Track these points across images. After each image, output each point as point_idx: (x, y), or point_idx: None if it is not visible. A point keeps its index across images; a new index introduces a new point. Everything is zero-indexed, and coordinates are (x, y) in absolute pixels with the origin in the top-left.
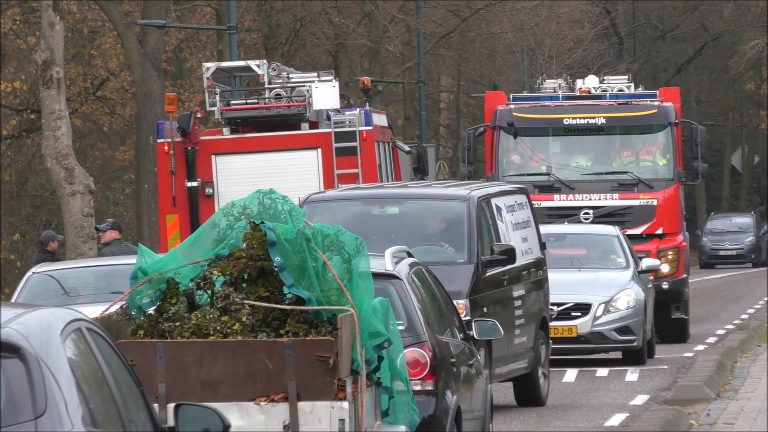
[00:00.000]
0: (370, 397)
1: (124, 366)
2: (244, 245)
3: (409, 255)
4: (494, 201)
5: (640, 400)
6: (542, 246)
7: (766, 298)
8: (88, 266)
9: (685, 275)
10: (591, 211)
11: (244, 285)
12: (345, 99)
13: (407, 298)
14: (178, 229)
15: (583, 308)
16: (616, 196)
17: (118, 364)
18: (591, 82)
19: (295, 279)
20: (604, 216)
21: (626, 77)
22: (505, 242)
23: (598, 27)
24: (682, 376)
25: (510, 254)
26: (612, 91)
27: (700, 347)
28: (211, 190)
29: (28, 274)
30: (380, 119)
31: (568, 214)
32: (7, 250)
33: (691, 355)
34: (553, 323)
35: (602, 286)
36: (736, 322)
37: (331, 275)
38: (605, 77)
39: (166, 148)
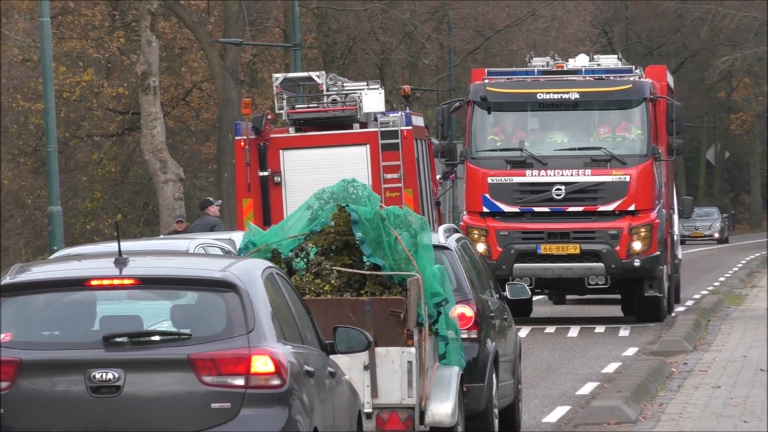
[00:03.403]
0: (431, 344)
1: (299, 299)
2: (333, 223)
3: (456, 231)
4: None
5: (631, 351)
6: None
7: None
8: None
9: (658, 252)
10: (563, 187)
11: (332, 254)
12: (389, 104)
13: (456, 264)
14: (252, 211)
15: None
16: (588, 171)
17: (296, 298)
18: (581, 60)
19: (372, 250)
20: (576, 192)
21: (616, 56)
22: None
23: (598, 45)
24: (665, 332)
25: None
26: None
27: (680, 308)
28: (279, 179)
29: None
30: (418, 120)
31: (541, 190)
32: (111, 227)
33: (673, 315)
34: None
35: None
36: (709, 288)
37: (401, 247)
38: (595, 55)
39: (242, 144)
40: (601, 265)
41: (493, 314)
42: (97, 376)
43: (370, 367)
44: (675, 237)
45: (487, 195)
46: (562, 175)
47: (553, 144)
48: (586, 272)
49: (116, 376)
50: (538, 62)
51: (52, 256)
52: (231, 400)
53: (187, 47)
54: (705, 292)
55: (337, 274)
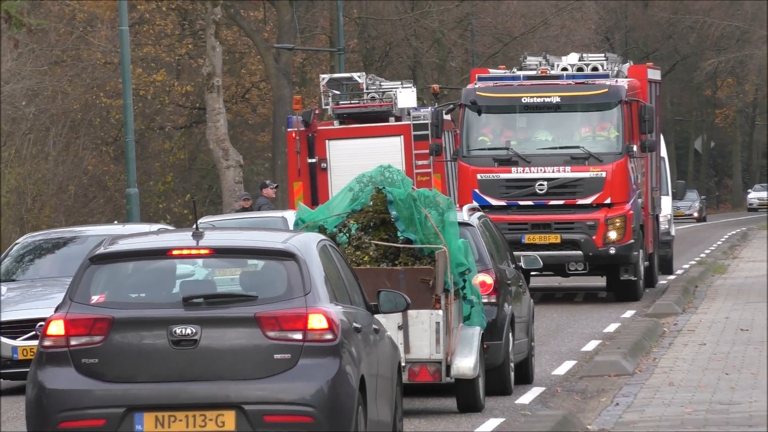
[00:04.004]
0: (456, 307)
1: (348, 267)
2: (371, 203)
3: (477, 210)
4: None
5: (629, 313)
6: None
7: (718, 243)
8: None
9: (632, 241)
10: (545, 183)
11: (371, 230)
12: (420, 100)
13: (478, 239)
14: (302, 193)
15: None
16: (568, 168)
17: (345, 266)
18: (572, 59)
19: (405, 226)
20: (557, 187)
21: (603, 55)
22: None
23: (602, 49)
24: (658, 297)
25: None
26: (587, 69)
27: (672, 277)
28: (325, 165)
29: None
30: (446, 115)
31: (525, 185)
32: (181, 206)
33: (665, 282)
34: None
35: None
36: (696, 259)
37: (430, 224)
38: (584, 54)
39: (293, 135)
40: (579, 252)
41: (509, 282)
42: (178, 331)
43: (404, 327)
44: (669, 217)
45: (477, 190)
46: (545, 171)
47: (536, 143)
48: (566, 259)
49: (194, 331)
50: (533, 61)
51: (20, 239)
52: (291, 351)
53: (246, 52)
54: (693, 262)
55: (375, 247)
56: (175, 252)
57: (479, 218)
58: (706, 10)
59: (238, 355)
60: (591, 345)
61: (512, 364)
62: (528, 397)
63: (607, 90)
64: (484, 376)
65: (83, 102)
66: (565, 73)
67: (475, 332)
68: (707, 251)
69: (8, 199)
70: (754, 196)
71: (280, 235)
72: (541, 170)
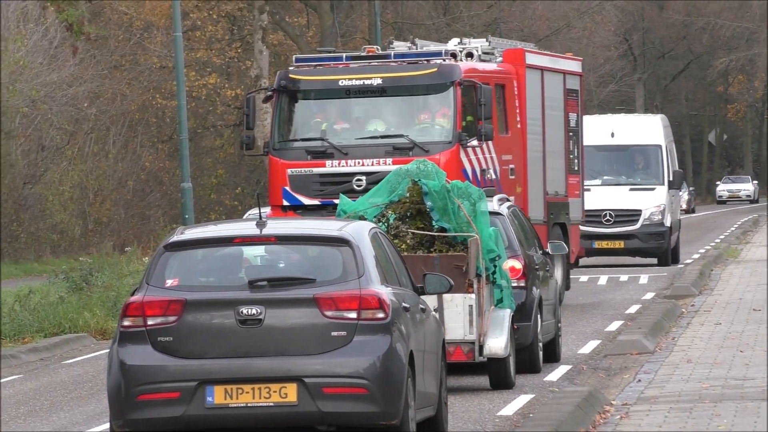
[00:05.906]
0: (488, 291)
1: (397, 253)
2: (408, 194)
3: (507, 200)
4: None
5: (649, 295)
6: None
7: (731, 230)
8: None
9: None
10: (364, 178)
11: (407, 220)
12: None
13: (508, 227)
14: None
15: None
16: (389, 161)
17: (394, 251)
18: (451, 45)
19: (440, 216)
20: (377, 182)
21: (484, 39)
22: None
23: (620, 50)
24: (676, 280)
25: None
26: (460, 54)
27: (689, 261)
28: None
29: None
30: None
31: (342, 181)
32: (232, 198)
33: (682, 266)
34: None
35: None
36: (712, 244)
37: (462, 213)
38: (465, 39)
39: None
40: None
41: (537, 267)
42: (244, 311)
43: (439, 310)
44: (662, 207)
45: (287, 187)
46: (363, 164)
47: (356, 132)
48: None
49: (259, 311)
50: (400, 46)
51: None
52: (346, 329)
53: (291, 55)
54: (708, 247)
55: (411, 235)
56: (241, 240)
57: (509, 208)
58: (717, 12)
59: (299, 332)
60: (614, 325)
61: (541, 344)
62: (556, 374)
63: (436, 69)
64: (515, 355)
65: (140, 103)
66: (393, 52)
67: (506, 314)
68: (721, 237)
69: (72, 194)
70: (723, 188)
71: (335, 223)
72: (359, 163)
